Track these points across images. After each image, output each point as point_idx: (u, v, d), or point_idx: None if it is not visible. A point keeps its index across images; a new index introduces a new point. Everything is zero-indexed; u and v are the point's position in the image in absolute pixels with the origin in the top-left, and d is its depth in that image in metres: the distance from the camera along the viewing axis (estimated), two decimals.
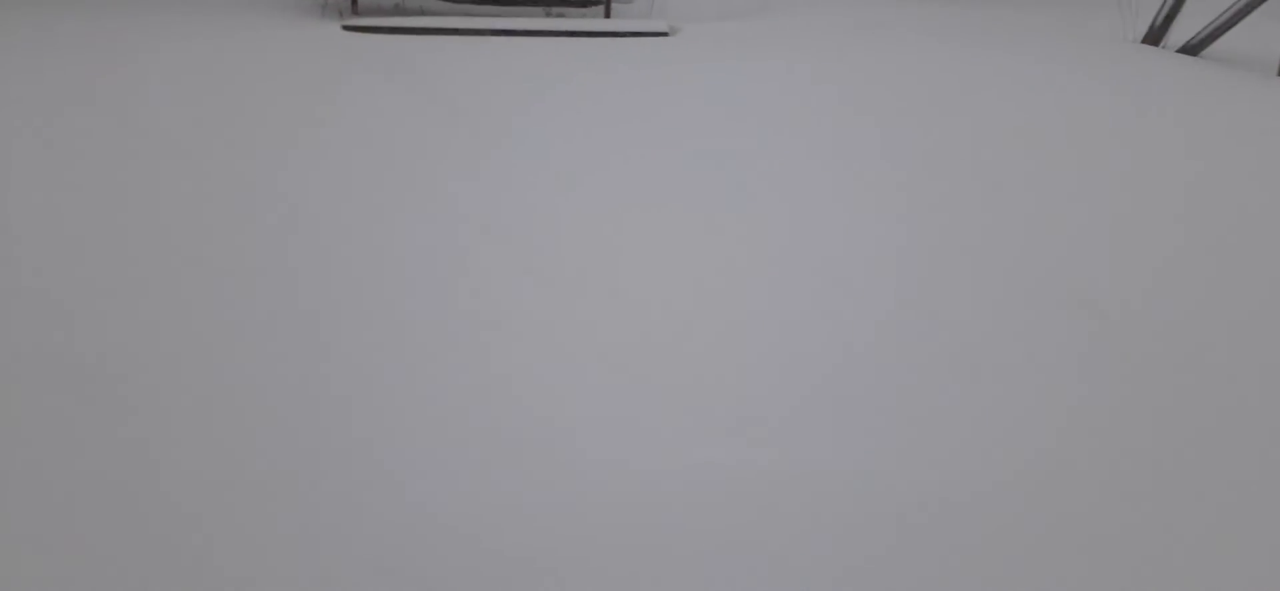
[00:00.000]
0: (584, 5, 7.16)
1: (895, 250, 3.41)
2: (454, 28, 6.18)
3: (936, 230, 3.57)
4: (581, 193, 3.81)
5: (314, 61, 5.31)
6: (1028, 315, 3.03)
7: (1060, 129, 4.68)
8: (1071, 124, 4.76)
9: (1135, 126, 4.77)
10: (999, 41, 6.34)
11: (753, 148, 4.34)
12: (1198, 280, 3.29)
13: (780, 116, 4.77)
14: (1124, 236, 3.58)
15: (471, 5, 6.98)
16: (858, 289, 3.15)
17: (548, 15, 6.92)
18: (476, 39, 6.07)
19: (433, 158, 4.07)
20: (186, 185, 3.66)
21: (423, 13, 6.61)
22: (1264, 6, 6.11)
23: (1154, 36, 6.54)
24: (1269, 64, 6.09)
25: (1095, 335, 2.92)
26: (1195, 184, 4.10)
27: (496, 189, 3.78)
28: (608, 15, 6.93)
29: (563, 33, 6.35)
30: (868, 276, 3.24)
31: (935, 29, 6.70)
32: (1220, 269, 3.37)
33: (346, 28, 6.02)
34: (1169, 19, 6.47)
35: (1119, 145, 4.50)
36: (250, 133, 4.19)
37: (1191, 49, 6.33)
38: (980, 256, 3.38)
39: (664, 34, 6.46)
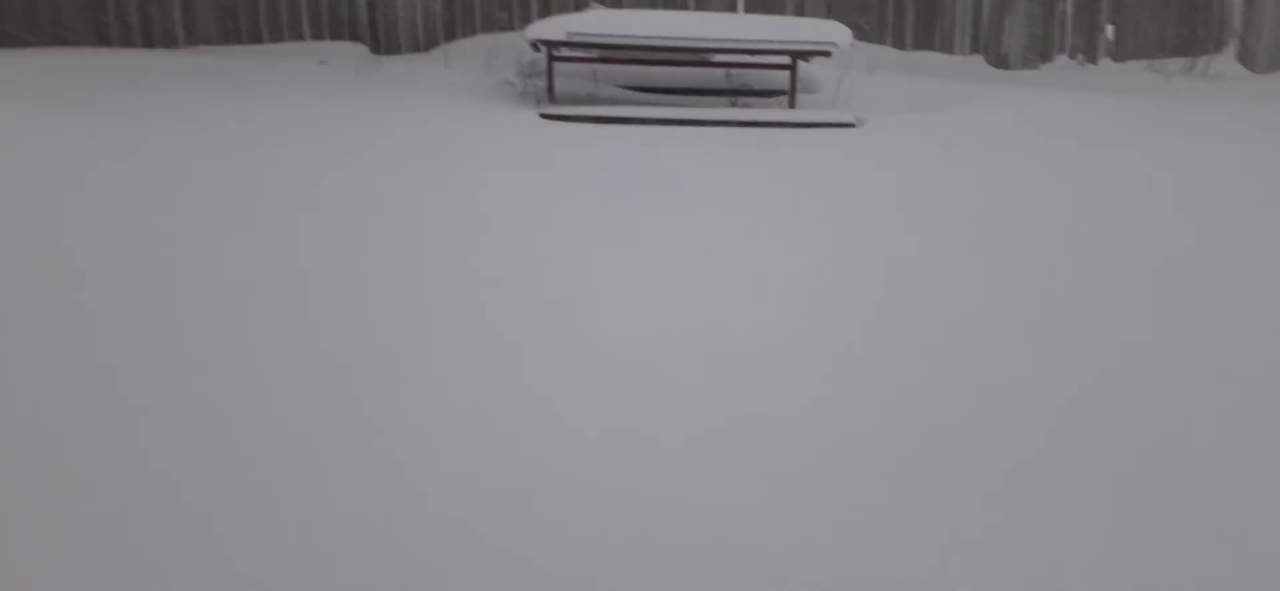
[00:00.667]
0: (769, 96, 7.23)
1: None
2: (644, 117, 6.37)
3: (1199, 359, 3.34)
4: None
5: (518, 142, 5.59)
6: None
7: None
8: None
9: None
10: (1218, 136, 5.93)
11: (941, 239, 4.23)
12: None
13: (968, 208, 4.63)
14: None
15: (660, 95, 7.18)
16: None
17: (733, 105, 7.02)
18: (664, 127, 6.23)
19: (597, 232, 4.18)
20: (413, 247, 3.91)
21: (614, 102, 6.85)
22: None
23: None
24: None
25: None
26: None
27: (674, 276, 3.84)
28: (792, 105, 6.96)
29: (749, 123, 6.42)
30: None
31: (1121, 122, 6.35)
32: None
33: (544, 115, 6.30)
34: None
35: None
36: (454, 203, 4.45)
37: None
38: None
39: (851, 125, 6.42)
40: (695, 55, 7.05)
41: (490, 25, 8.65)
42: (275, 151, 4.85)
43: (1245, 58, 9.95)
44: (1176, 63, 9.74)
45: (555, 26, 6.77)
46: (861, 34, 9.37)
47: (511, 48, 7.77)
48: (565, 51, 6.93)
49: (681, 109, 6.53)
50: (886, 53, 9.28)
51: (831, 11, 9.32)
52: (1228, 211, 4.63)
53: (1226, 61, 9.82)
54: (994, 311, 3.79)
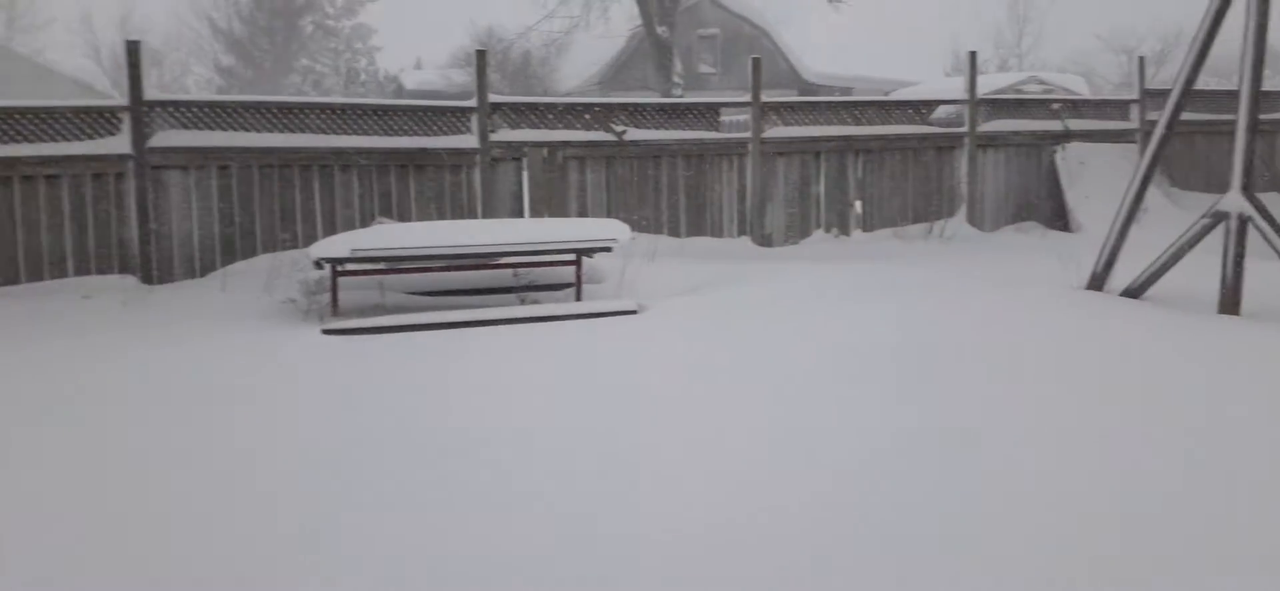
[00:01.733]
0: (557, 289, 7.53)
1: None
2: (431, 323, 6.45)
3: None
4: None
5: (289, 367, 5.49)
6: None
7: (1051, 355, 4.88)
8: (1049, 352, 4.97)
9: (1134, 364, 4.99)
10: (961, 292, 6.68)
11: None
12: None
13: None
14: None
15: (451, 297, 7.31)
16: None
17: (522, 301, 7.25)
18: (459, 330, 6.33)
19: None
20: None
21: (402, 311, 6.91)
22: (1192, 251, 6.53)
23: (1096, 282, 6.93)
24: (1199, 302, 6.43)
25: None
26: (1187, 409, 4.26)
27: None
28: (579, 297, 7.28)
29: (537, 318, 6.64)
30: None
31: (903, 284, 7.06)
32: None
33: (327, 331, 6.26)
34: (1108, 266, 6.89)
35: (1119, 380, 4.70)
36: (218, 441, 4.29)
37: (1132, 292, 6.70)
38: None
39: (633, 312, 6.76)
40: (484, 259, 7.28)
41: (272, 244, 8.58)
42: None
43: (974, 219, 11.33)
44: (917, 228, 10.95)
45: (340, 244, 6.84)
46: (640, 227, 9.98)
47: (295, 266, 7.72)
48: (350, 267, 6.97)
49: (470, 311, 6.67)
50: (664, 241, 9.90)
51: (610, 209, 9.90)
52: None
53: (958, 224, 11.14)
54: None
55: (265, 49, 41.20)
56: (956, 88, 13.23)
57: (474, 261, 7.29)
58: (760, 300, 6.91)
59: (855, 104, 11.14)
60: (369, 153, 8.91)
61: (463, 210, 9.28)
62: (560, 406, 4.70)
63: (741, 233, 10.49)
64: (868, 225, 11.04)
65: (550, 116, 9.71)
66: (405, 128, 9.09)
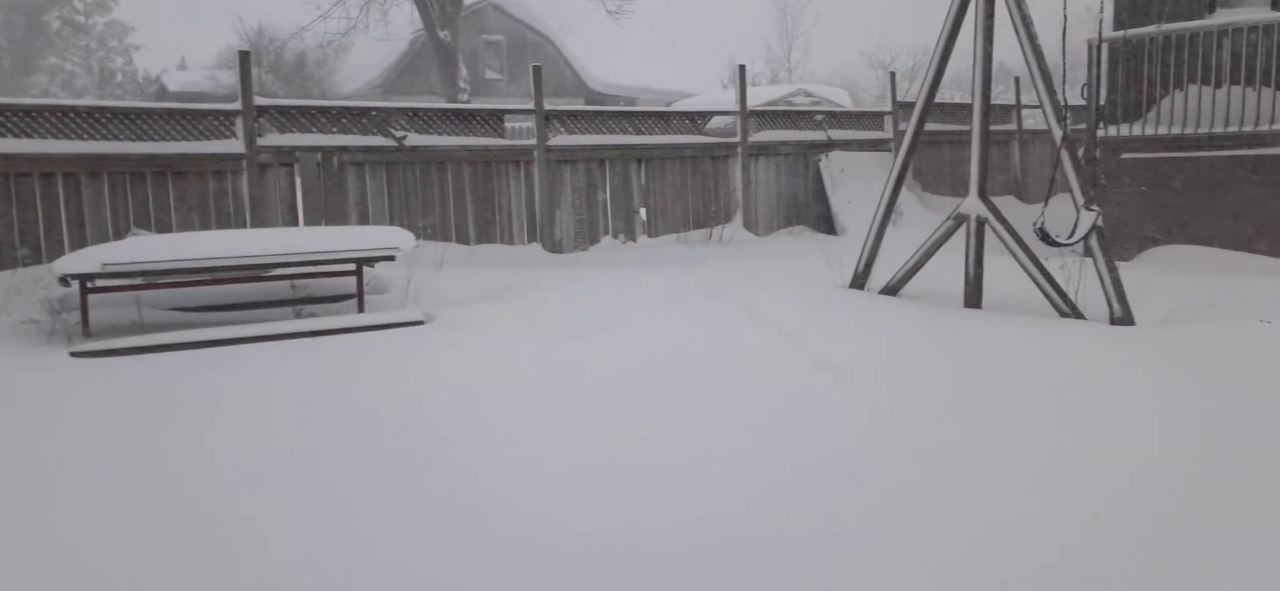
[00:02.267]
0: (337, 301, 7.22)
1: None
2: (198, 341, 6.01)
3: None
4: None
5: (27, 395, 4.96)
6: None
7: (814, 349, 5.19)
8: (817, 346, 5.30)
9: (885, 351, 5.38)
10: (737, 290, 7.00)
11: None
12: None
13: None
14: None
15: (220, 313, 6.85)
16: None
17: (298, 315, 6.90)
18: (226, 348, 5.93)
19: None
20: None
21: (162, 329, 6.40)
22: (939, 253, 7.18)
23: (858, 282, 7.48)
24: (950, 296, 7.10)
25: None
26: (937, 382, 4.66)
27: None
28: (361, 309, 7.02)
29: (314, 332, 6.34)
30: None
31: (685, 289, 7.30)
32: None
33: (76, 354, 5.70)
34: (868, 266, 7.45)
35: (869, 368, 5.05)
36: None
37: (891, 290, 7.29)
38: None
39: (419, 323, 6.60)
40: (254, 271, 6.86)
41: (10, 261, 7.71)
42: None
43: (749, 224, 11.91)
44: (698, 233, 11.39)
45: (89, 257, 6.23)
46: (426, 234, 9.76)
47: (37, 282, 6.96)
48: (101, 283, 6.38)
49: (240, 328, 6.27)
50: (453, 249, 9.74)
51: (393, 217, 9.63)
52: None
53: (735, 228, 11.68)
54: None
55: (4, 46, 37.01)
56: (731, 99, 13.88)
57: (243, 274, 6.86)
58: (553, 306, 6.94)
59: (637, 114, 11.43)
60: (122, 159, 8.19)
61: (230, 220, 8.73)
62: (334, 431, 4.49)
63: (531, 239, 10.50)
64: (653, 231, 11.36)
65: (324, 120, 9.31)
66: (164, 132, 8.44)
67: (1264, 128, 8.64)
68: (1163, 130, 9.20)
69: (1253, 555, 3.03)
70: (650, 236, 11.31)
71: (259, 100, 8.89)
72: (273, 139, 8.93)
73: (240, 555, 3.14)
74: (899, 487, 3.62)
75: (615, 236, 11.02)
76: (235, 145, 8.73)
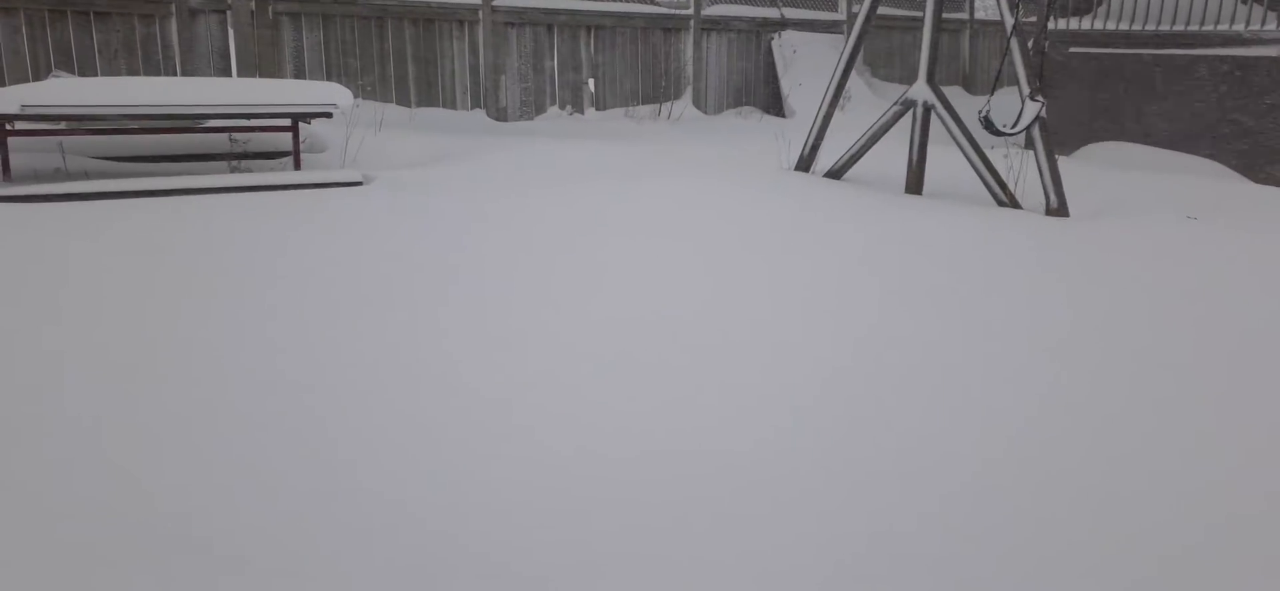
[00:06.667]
0: (274, 157, 7.02)
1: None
2: (127, 191, 5.81)
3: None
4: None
5: None
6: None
7: (758, 221, 5.22)
8: (758, 217, 5.33)
9: (823, 226, 5.43)
10: (690, 173, 6.97)
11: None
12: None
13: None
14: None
15: (148, 164, 6.62)
16: None
17: (234, 169, 6.70)
18: (154, 200, 5.74)
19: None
20: None
21: (87, 177, 6.17)
22: (884, 138, 7.20)
23: (804, 165, 7.49)
24: (894, 183, 7.17)
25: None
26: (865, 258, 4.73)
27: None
28: (297, 166, 6.83)
29: (248, 187, 6.16)
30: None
31: (632, 170, 7.24)
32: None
33: None
34: (814, 150, 7.45)
35: (809, 236, 5.10)
36: None
37: (835, 174, 7.32)
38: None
39: (358, 183, 6.46)
40: (185, 121, 6.60)
41: None
42: None
43: (698, 102, 11.79)
44: (646, 108, 11.24)
45: (8, 98, 5.92)
46: (365, 94, 9.48)
47: None
48: (20, 125, 6.09)
49: (172, 180, 6.07)
50: (393, 110, 9.49)
51: (330, 73, 9.31)
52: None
53: (685, 106, 11.55)
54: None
55: None
56: None
57: (175, 124, 6.61)
58: (495, 174, 6.83)
59: None
60: None
61: (159, 69, 8.36)
62: (258, 293, 4.42)
63: (475, 106, 10.26)
64: (601, 104, 11.18)
65: None
66: None
67: (1209, 27, 8.73)
68: (1112, 25, 9.24)
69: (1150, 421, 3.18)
70: (598, 109, 11.14)
71: None
72: None
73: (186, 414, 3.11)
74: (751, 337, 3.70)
75: (562, 107, 10.83)
76: None
